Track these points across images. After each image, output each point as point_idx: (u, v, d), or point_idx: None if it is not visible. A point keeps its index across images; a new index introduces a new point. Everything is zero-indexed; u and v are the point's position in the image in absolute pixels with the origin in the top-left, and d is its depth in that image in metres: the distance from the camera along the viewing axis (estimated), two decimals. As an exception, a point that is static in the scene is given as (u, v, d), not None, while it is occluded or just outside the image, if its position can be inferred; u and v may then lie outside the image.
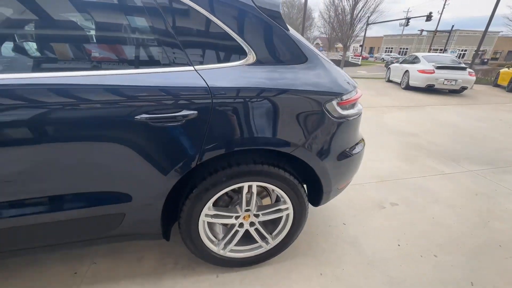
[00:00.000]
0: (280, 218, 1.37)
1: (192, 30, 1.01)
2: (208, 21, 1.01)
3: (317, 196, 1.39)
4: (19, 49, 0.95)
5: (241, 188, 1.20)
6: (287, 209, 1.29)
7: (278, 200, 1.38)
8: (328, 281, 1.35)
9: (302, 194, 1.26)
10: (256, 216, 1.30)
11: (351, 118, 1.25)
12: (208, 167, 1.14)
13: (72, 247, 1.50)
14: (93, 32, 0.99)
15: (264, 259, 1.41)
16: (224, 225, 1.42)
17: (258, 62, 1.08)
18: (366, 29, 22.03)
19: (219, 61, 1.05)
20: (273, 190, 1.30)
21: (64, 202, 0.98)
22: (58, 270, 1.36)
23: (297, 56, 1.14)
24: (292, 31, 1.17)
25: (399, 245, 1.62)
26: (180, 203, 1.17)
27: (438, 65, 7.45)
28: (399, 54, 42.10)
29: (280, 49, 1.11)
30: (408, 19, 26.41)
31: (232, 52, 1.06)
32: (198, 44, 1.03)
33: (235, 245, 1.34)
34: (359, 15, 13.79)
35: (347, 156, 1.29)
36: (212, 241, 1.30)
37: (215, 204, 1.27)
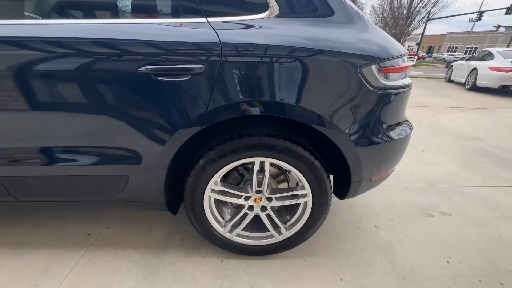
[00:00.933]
0: (296, 207, 1.18)
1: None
2: None
3: (344, 186, 1.17)
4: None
5: (252, 165, 1.06)
6: (305, 195, 1.10)
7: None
8: (349, 289, 1.12)
9: (325, 179, 1.06)
10: (269, 200, 1.14)
11: (397, 91, 1.00)
12: (216, 136, 1.02)
13: (91, 211, 1.57)
14: None
15: (275, 251, 1.24)
16: (234, 206, 1.29)
17: (280, 15, 0.92)
18: (425, 25, 19.64)
19: (236, 13, 0.92)
20: (289, 172, 1.13)
21: (67, 157, 0.97)
22: (75, 229, 1.42)
23: (328, 9, 0.94)
24: None
25: (448, 262, 1.29)
26: (186, 174, 1.07)
27: (518, 62, 6.14)
28: (465, 54, 36.57)
29: (305, 1, 0.93)
30: (481, 12, 22.73)
31: (251, 3, 0.91)
32: None
33: (244, 230, 1.20)
34: (418, 7, 12.26)
35: (386, 140, 1.04)
36: (218, 221, 1.18)
37: (224, 181, 1.15)
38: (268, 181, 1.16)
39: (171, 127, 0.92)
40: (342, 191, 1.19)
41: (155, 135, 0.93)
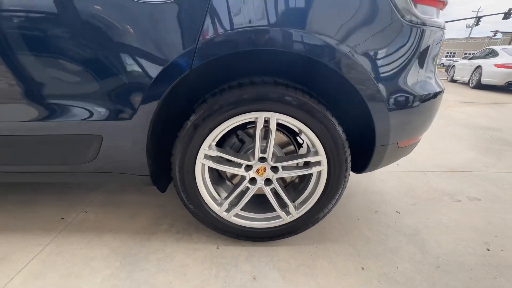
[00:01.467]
0: (307, 181, 0.98)
1: None
2: None
3: (363, 155, 0.97)
4: None
5: (254, 129, 0.86)
6: (318, 163, 0.90)
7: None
8: (374, 279, 0.91)
9: (344, 142, 0.86)
10: (274, 170, 0.94)
11: (431, 30, 0.81)
12: (210, 86, 0.84)
13: (68, 194, 1.36)
14: None
15: (281, 235, 1.03)
16: (233, 184, 1.09)
17: None
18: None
19: None
20: (299, 137, 0.93)
21: (18, 109, 0.78)
22: (47, 213, 1.21)
23: None
24: None
25: (488, 249, 1.08)
26: (174, 135, 0.88)
27: (524, 58, 6.02)
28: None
29: None
30: (478, 17, 22.99)
31: None
32: None
33: (244, 210, 1.00)
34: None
35: (420, 92, 0.85)
36: (213, 198, 0.98)
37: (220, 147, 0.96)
38: (274, 149, 0.97)
39: (152, 68, 0.73)
40: (363, 161, 0.99)
41: (131, 79, 0.74)
